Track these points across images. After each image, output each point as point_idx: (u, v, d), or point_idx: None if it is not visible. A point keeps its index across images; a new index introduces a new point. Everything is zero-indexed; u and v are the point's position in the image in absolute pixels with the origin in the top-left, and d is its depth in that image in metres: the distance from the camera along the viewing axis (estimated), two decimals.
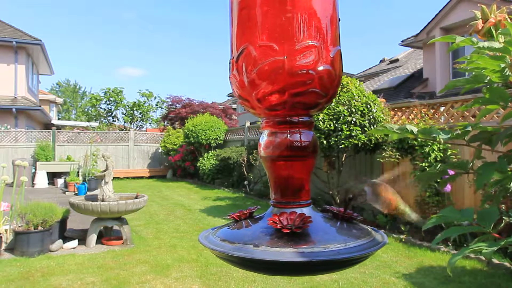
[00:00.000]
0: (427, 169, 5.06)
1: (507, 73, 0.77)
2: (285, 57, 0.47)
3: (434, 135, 0.86)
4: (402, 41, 14.55)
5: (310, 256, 0.43)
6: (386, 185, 0.87)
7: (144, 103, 20.80)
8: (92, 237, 4.81)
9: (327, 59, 0.49)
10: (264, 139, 0.52)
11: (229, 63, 0.52)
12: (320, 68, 0.48)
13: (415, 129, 0.87)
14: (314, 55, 0.47)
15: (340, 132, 5.69)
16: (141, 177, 14.59)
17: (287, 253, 0.43)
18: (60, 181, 11.79)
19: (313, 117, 0.53)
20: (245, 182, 9.95)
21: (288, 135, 0.51)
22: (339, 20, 0.52)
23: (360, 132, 5.69)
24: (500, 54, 0.75)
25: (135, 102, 20.63)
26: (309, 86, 0.48)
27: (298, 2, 0.48)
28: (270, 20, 0.48)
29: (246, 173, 10.00)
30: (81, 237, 4.95)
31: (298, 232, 0.46)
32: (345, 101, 5.84)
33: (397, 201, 0.89)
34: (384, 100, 6.97)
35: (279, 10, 0.48)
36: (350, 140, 5.66)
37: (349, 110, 5.76)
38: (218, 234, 0.52)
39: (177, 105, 18.13)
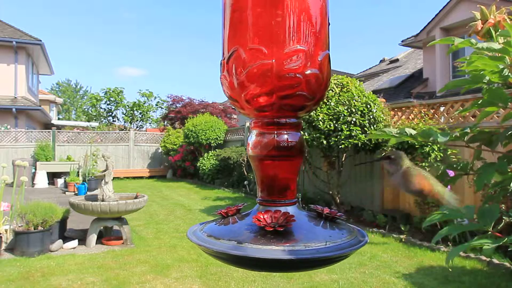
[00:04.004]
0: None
1: (506, 74, 0.77)
2: (273, 61, 0.48)
3: (433, 137, 0.86)
4: (402, 41, 14.55)
5: (290, 254, 0.44)
6: (419, 170, 0.83)
7: (144, 103, 20.80)
8: (92, 237, 4.81)
9: (315, 63, 0.50)
10: (252, 139, 0.54)
11: (220, 64, 0.54)
12: (308, 72, 0.49)
13: (413, 132, 0.87)
14: (302, 59, 0.49)
15: (340, 132, 5.68)
16: (141, 177, 14.60)
17: (269, 251, 0.45)
18: (60, 181, 11.79)
19: (301, 118, 0.55)
20: (245, 182, 9.95)
21: (275, 136, 0.52)
22: (329, 24, 0.53)
23: (360, 132, 5.69)
24: (499, 55, 0.75)
25: (135, 102, 20.63)
26: (297, 89, 0.49)
27: (289, 7, 0.49)
28: (260, 24, 0.49)
29: (246, 173, 10.00)
30: (81, 237, 4.96)
31: (281, 230, 0.47)
32: (345, 101, 5.84)
33: (432, 186, 0.84)
34: (384, 100, 6.97)
35: (270, 14, 0.49)
36: (350, 140, 5.66)
37: (349, 110, 5.75)
38: (205, 230, 0.53)
39: (178, 105, 18.14)
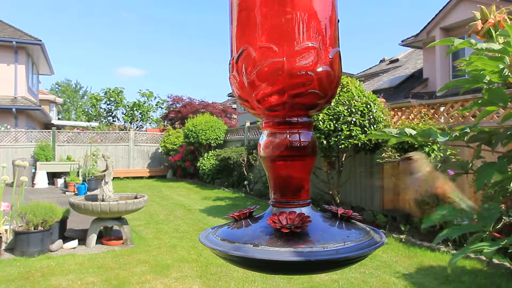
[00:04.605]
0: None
1: (506, 74, 0.77)
2: (284, 59, 0.47)
3: (433, 137, 0.86)
4: (402, 41, 14.55)
5: (308, 256, 0.43)
6: (442, 177, 0.84)
7: (144, 103, 20.80)
8: (92, 237, 4.81)
9: (326, 60, 0.49)
10: (263, 139, 0.53)
11: (229, 64, 0.53)
12: (319, 69, 0.48)
13: (413, 132, 0.87)
14: (313, 57, 0.48)
15: (340, 132, 5.69)
16: (141, 177, 14.60)
17: (286, 253, 0.44)
18: (60, 181, 11.79)
19: (313, 117, 0.54)
20: (245, 182, 9.95)
21: (288, 136, 0.51)
22: (338, 21, 0.52)
23: (360, 132, 5.69)
24: (499, 55, 0.75)
25: (135, 102, 20.63)
26: (308, 87, 0.48)
27: (298, 4, 0.48)
28: (270, 22, 0.48)
29: (246, 173, 10.00)
30: (81, 237, 4.96)
31: (297, 231, 0.46)
32: (345, 101, 5.84)
33: (448, 189, 0.85)
34: (384, 100, 6.97)
35: (279, 12, 0.48)
36: (350, 140, 5.66)
37: (349, 110, 5.76)
38: (218, 234, 0.52)
39: (178, 105, 18.15)
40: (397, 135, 0.87)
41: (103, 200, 4.80)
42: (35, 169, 11.84)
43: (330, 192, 6.56)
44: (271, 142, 0.52)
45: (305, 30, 0.48)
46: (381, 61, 20.73)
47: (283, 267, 0.44)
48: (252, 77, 0.48)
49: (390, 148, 5.55)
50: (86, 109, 28.31)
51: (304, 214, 0.49)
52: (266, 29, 0.49)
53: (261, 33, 0.49)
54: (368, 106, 5.85)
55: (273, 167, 0.52)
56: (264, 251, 0.44)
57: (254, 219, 0.54)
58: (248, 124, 11.75)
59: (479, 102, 0.86)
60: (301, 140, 0.51)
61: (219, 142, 12.59)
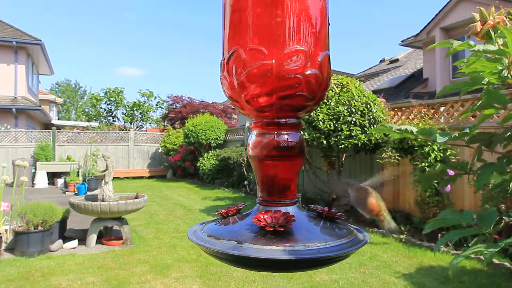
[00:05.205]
0: (427, 169, 5.07)
1: (505, 75, 0.77)
2: (274, 61, 0.48)
3: (433, 136, 0.86)
4: (402, 41, 14.55)
5: (290, 254, 0.44)
6: (371, 190, 0.87)
7: (144, 103, 20.80)
8: (92, 237, 4.81)
9: (315, 64, 0.50)
10: (252, 139, 0.54)
11: (220, 64, 0.54)
12: (308, 72, 0.49)
13: (414, 130, 0.88)
14: (302, 60, 0.49)
15: (340, 132, 5.69)
16: (141, 177, 14.60)
17: (269, 251, 0.45)
18: (60, 181, 11.79)
19: (301, 118, 0.55)
20: (245, 182, 9.95)
21: (276, 136, 0.52)
22: (329, 24, 0.53)
23: (360, 132, 5.69)
24: (497, 56, 0.75)
25: (135, 102, 20.64)
26: (297, 89, 0.49)
27: (289, 7, 0.49)
28: (261, 24, 0.49)
29: (246, 173, 10.00)
30: (81, 237, 4.96)
31: (281, 230, 0.47)
32: (345, 101, 5.84)
33: (380, 208, 0.88)
34: (384, 100, 6.98)
35: (270, 14, 0.49)
36: (350, 140, 5.67)
37: (349, 110, 5.76)
38: (206, 230, 0.53)
39: (178, 105, 18.15)
40: (398, 131, 0.87)
41: (103, 200, 4.80)
42: (35, 169, 11.85)
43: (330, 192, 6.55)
44: (259, 142, 0.53)
45: (295, 33, 0.48)
46: (381, 61, 20.72)
47: (266, 264, 0.45)
48: (242, 78, 0.49)
49: (390, 148, 5.56)
50: (86, 109, 28.29)
51: (289, 213, 0.50)
52: (256, 31, 0.49)
53: (252, 35, 0.49)
54: (368, 106, 5.85)
55: (261, 167, 0.53)
56: (248, 248, 0.45)
57: (241, 217, 0.55)
58: (248, 124, 11.73)
59: (478, 105, 0.86)
60: (289, 140, 0.52)
61: (219, 142, 12.60)
